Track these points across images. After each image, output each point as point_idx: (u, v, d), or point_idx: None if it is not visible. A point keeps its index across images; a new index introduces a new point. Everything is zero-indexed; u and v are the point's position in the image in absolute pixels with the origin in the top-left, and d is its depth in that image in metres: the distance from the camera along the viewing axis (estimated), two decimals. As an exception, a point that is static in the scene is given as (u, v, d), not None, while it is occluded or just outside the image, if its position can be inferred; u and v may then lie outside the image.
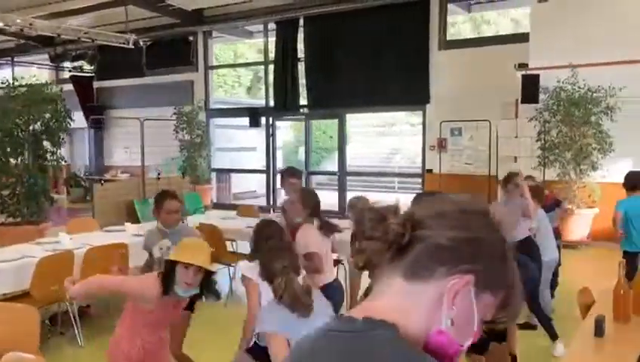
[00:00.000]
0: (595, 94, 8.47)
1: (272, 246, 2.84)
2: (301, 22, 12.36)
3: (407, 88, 11.11)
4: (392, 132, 24.32)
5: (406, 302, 0.92)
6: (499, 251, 0.96)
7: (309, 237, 3.78)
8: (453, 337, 0.91)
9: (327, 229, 3.97)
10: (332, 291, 3.62)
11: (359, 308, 0.95)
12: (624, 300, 3.03)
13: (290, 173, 4.84)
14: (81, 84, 15.25)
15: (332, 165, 20.11)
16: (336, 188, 13.25)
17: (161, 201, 3.81)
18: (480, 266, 0.93)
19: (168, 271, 2.75)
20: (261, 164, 18.43)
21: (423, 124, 11.45)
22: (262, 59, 13.97)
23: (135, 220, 8.07)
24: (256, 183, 18.44)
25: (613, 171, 8.80)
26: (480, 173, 10.32)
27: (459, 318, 0.91)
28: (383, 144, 22.58)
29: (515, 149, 9.71)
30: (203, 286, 2.79)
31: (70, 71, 15.54)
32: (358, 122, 22.09)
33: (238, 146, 17.20)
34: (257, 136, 18.83)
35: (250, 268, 3.12)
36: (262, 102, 13.80)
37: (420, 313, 0.91)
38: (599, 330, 2.82)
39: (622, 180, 8.91)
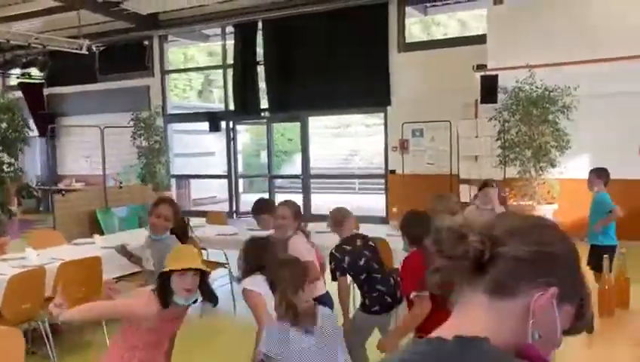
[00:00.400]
0: (552, 93, 8.74)
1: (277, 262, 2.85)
2: (260, 25, 12.29)
3: (368, 90, 11.21)
4: (347, 133, 24.53)
5: (492, 318, 0.92)
6: (572, 262, 0.99)
7: (301, 248, 3.76)
8: (540, 349, 0.92)
9: (308, 237, 3.98)
10: (327, 301, 3.62)
11: (443, 328, 0.95)
12: (609, 295, 3.13)
13: (265, 209, 4.57)
14: (31, 92, 14.68)
15: (292, 168, 20.14)
16: (297, 190, 13.25)
17: (155, 206, 3.75)
18: (559, 278, 0.94)
19: (164, 284, 2.69)
20: (221, 168, 18.27)
21: (385, 125, 11.57)
22: (213, 63, 13.79)
23: (98, 231, 7.83)
24: (216, 188, 18.24)
25: (570, 168, 9.14)
26: (442, 173, 10.49)
27: (544, 331, 0.92)
28: (340, 146, 22.73)
29: (476, 149, 9.93)
30: (202, 289, 2.76)
31: (18, 78, 14.95)
32: (314, 124, 22.19)
33: (197, 151, 16.96)
34: (216, 141, 18.63)
35: (251, 283, 3.11)
36: (220, 106, 13.66)
37: (507, 328, 0.92)
38: (589, 327, 2.90)
39: (579, 176, 9.29)
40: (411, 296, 2.86)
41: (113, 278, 5.60)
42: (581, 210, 9.12)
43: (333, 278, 3.84)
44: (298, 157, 22.10)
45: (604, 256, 3.18)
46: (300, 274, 2.66)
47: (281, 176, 16.66)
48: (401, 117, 10.97)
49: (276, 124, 15.40)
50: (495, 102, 9.37)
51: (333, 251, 3.83)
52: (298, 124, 12.71)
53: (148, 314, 2.66)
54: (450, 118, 10.27)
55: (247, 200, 13.20)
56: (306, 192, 12.61)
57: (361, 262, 3.82)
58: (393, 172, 11.35)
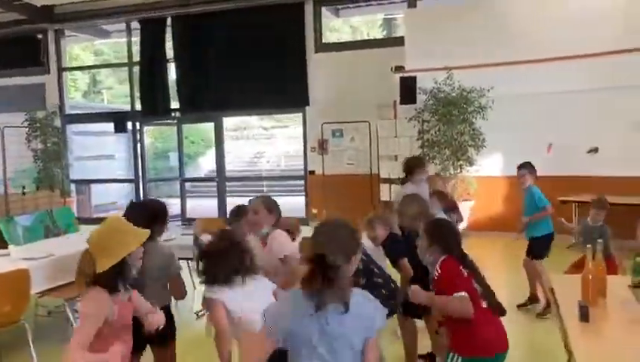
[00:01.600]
0: (469, 95, 9.08)
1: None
2: (169, 21, 11.72)
3: (286, 90, 11.05)
4: (263, 134, 24.27)
5: None
6: None
7: (283, 241, 3.56)
8: None
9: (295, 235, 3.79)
10: None
11: None
12: (592, 284, 3.21)
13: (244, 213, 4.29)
14: None
15: (196, 172, 19.46)
16: (210, 194, 12.82)
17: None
18: None
19: (121, 268, 2.58)
20: (122, 172, 17.25)
21: (304, 125, 11.46)
22: (101, 61, 12.88)
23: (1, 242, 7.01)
24: (117, 194, 17.20)
25: (485, 165, 9.56)
26: (362, 173, 10.57)
27: None
28: (255, 147, 22.44)
29: (396, 148, 10.10)
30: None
31: None
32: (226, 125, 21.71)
33: (97, 155, 15.91)
34: (117, 143, 17.58)
35: (209, 291, 3.01)
36: (120, 107, 12.86)
37: None
38: (584, 316, 2.95)
39: (493, 173, 9.75)
40: (458, 296, 2.76)
41: (37, 293, 5.04)
42: (496, 206, 9.63)
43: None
44: (203, 160, 21.56)
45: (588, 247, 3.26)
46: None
47: (195, 180, 16.03)
48: (320, 117, 10.93)
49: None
50: (414, 102, 9.59)
51: None
52: (211, 124, 12.25)
53: (107, 310, 2.55)
54: (370, 118, 10.38)
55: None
56: (221, 195, 12.18)
57: (360, 266, 3.67)
58: (313, 172, 11.26)
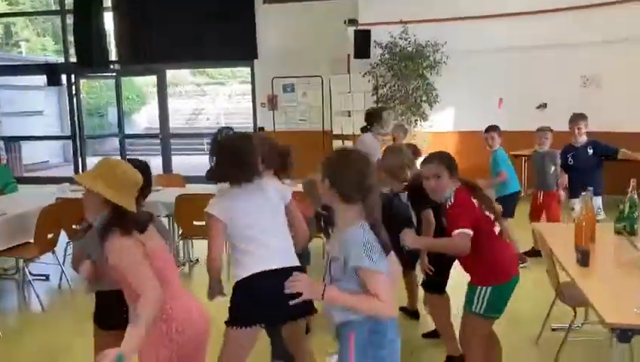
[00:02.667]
0: (424, 49, 9.06)
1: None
2: (105, -35, 10.93)
3: (233, 43, 10.61)
4: (208, 90, 23.49)
5: None
6: None
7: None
8: None
9: None
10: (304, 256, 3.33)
11: None
12: (585, 231, 3.27)
13: None
14: None
15: (131, 129, 18.63)
16: (153, 152, 12.33)
17: None
18: None
19: None
20: (52, 129, 16.30)
21: (252, 80, 11.11)
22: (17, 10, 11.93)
23: None
24: (49, 153, 16.30)
25: (437, 121, 9.65)
26: (315, 129, 10.43)
27: None
28: (181, 104, 21.64)
29: (349, 104, 9.99)
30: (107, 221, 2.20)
31: None
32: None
33: (25, 110, 14.89)
34: (45, 98, 16.52)
35: (212, 205, 2.70)
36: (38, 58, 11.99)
37: None
38: (585, 261, 3.00)
39: (445, 129, 9.86)
40: (458, 232, 2.69)
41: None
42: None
43: (327, 235, 3.54)
44: (137, 117, 20.68)
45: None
46: None
47: (136, 136, 15.34)
48: (269, 71, 10.61)
49: (109, 82, 13.96)
50: (368, 57, 9.47)
51: (319, 210, 3.50)
52: (151, 77, 11.67)
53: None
54: (322, 73, 10.19)
55: (95, 163, 11.92)
56: (166, 153, 11.73)
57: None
58: (262, 129, 11.00)
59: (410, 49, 9.05)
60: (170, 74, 17.66)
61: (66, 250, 5.41)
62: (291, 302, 1.99)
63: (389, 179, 3.99)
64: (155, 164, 11.92)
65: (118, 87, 11.85)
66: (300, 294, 2.69)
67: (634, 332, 2.30)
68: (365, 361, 2.00)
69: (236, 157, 2.68)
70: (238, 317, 2.61)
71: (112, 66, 11.49)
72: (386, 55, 9.16)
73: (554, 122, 8.70)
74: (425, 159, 3.00)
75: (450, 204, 2.81)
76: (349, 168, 2.01)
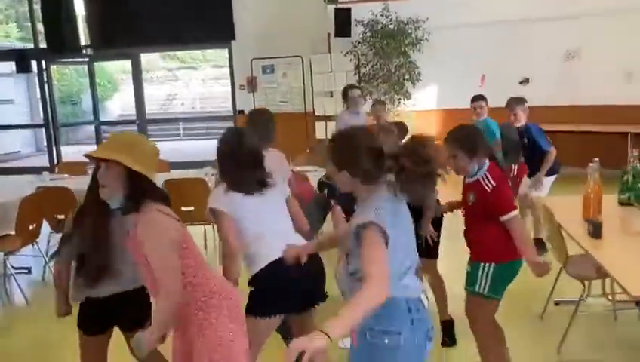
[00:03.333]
0: (406, 26, 8.93)
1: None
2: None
3: (210, 23, 10.34)
4: (163, 77, 23.02)
5: None
6: None
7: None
8: None
9: None
10: None
11: None
12: (594, 203, 3.21)
13: None
14: None
15: (104, 116, 18.13)
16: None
17: None
18: None
19: None
20: (22, 118, 15.80)
21: (230, 62, 10.86)
22: None
23: None
24: (20, 142, 15.83)
25: (420, 100, 9.57)
26: (296, 111, 10.26)
27: None
28: (153, 90, 21.23)
29: (331, 84, 9.83)
30: (130, 192, 2.05)
31: None
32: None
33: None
34: (15, 86, 15.99)
35: (214, 199, 2.56)
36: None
37: None
38: (597, 233, 2.94)
39: (428, 107, 9.79)
40: (515, 213, 2.61)
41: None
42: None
43: (328, 207, 3.42)
44: (110, 104, 20.18)
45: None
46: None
47: (112, 123, 14.95)
48: (248, 53, 10.37)
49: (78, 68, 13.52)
50: (349, 35, 9.31)
51: (324, 179, 3.38)
52: (126, 62, 11.33)
53: None
54: (302, 53, 9.99)
55: (69, 152, 11.61)
56: (144, 139, 11.42)
57: None
58: (242, 112, 10.78)
59: (391, 26, 8.92)
60: (141, 59, 17.32)
61: (48, 241, 5.19)
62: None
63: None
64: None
65: (91, 72, 11.48)
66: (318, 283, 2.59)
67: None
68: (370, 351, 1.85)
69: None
70: (260, 307, 2.48)
71: (84, 51, 11.10)
72: (368, 33, 9.02)
73: (536, 97, 8.73)
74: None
75: (491, 185, 2.67)
76: (360, 150, 1.89)
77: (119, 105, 19.89)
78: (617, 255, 2.73)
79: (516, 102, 5.40)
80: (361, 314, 1.58)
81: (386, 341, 1.83)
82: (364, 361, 1.89)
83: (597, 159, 3.41)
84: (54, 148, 11.46)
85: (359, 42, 9.13)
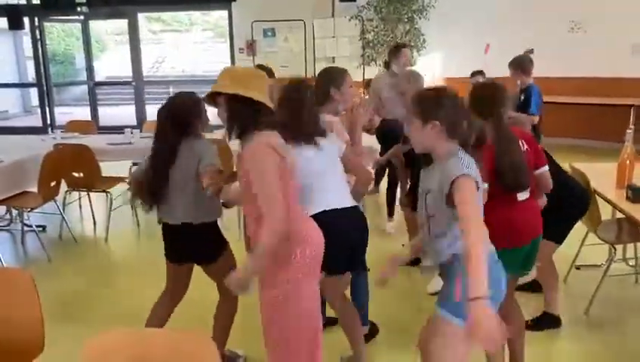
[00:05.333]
0: (412, -7, 8.86)
1: None
2: None
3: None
4: (147, 39, 22.52)
5: None
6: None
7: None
8: None
9: None
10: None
11: None
12: (629, 169, 3.27)
13: None
14: None
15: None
16: (126, 101, 11.82)
17: None
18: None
19: None
20: (9, 77, 15.38)
21: (230, 24, 10.68)
22: None
23: None
24: (6, 102, 15.46)
25: (424, 68, 9.52)
26: (297, 76, 10.14)
27: None
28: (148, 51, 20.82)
29: (333, 50, 9.75)
30: (235, 119, 2.09)
31: None
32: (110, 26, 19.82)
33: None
34: (1, 44, 15.54)
35: None
36: None
37: None
38: (637, 197, 3.01)
39: (434, 76, 9.75)
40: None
41: None
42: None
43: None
44: (98, 65, 19.67)
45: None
46: None
47: (108, 83, 14.65)
48: (249, 15, 10.20)
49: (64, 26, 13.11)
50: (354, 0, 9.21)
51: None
52: (121, 22, 11.07)
53: None
54: (304, 17, 9.86)
55: (58, 113, 11.38)
56: (139, 101, 11.26)
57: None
58: (241, 76, 10.64)
59: (399, -9, 8.83)
60: (124, 22, 16.86)
61: (65, 199, 5.13)
62: None
63: None
64: (130, 112, 11.52)
65: (85, 31, 11.20)
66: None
67: None
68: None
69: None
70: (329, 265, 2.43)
71: (78, 9, 10.81)
72: (374, -3, 8.93)
73: (540, 68, 8.74)
74: None
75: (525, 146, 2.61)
76: (453, 104, 1.93)
77: (107, 66, 19.46)
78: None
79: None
80: (482, 265, 1.64)
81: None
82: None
83: (632, 126, 3.47)
84: (47, 109, 11.22)
85: (364, 7, 9.03)
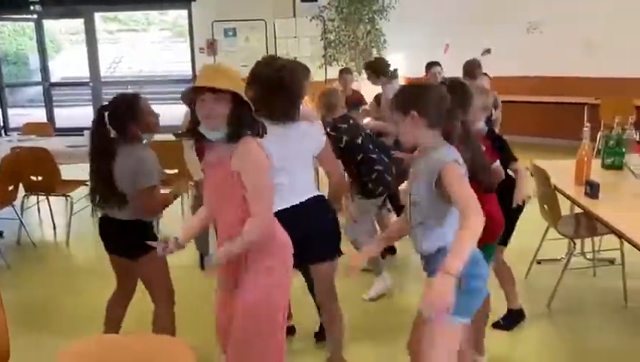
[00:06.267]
0: (373, -7, 8.94)
1: None
2: None
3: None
4: (103, 39, 22.05)
5: None
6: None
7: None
8: None
9: None
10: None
11: None
12: (587, 166, 3.39)
13: None
14: None
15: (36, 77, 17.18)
16: (83, 102, 11.53)
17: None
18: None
19: (192, 112, 2.04)
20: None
21: (189, 24, 10.55)
22: None
23: None
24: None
25: (385, 67, 9.63)
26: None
27: None
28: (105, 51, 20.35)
29: (295, 50, 9.74)
30: (236, 121, 1.99)
31: None
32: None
33: None
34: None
35: None
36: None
37: None
38: (595, 193, 3.11)
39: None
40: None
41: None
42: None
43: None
44: (53, 65, 19.14)
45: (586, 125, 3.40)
46: None
47: (64, 84, 14.26)
48: (209, 14, 10.10)
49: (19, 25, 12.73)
50: (316, 0, 9.24)
51: (329, 131, 3.38)
52: (81, 21, 10.80)
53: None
54: (266, 17, 9.83)
55: (16, 113, 11.05)
56: (97, 102, 11.00)
57: (359, 141, 3.56)
58: (202, 76, 10.53)
59: (360, -8, 8.90)
60: (79, 21, 16.44)
61: (23, 203, 4.98)
62: None
63: None
64: (87, 113, 11.25)
65: (39, 30, 10.88)
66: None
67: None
68: (462, 296, 1.79)
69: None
70: None
71: (32, 7, 10.48)
72: (335, -1, 8.97)
73: (497, 68, 8.97)
74: None
75: None
76: (431, 94, 1.96)
77: (62, 67, 18.97)
78: (617, 213, 2.90)
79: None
80: (471, 245, 1.70)
81: (474, 284, 1.91)
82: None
83: (588, 124, 3.59)
84: (0, 110, 10.84)
85: (326, 7, 9.06)
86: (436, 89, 2.00)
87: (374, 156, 3.59)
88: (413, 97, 1.96)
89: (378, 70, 5.15)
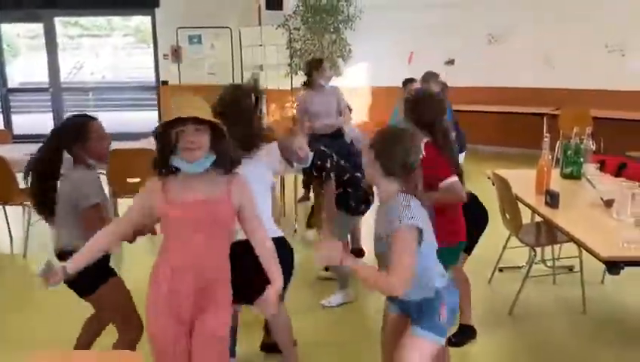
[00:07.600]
0: (338, 3, 8.98)
1: None
2: None
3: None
4: (65, 44, 21.61)
5: None
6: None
7: None
8: None
9: None
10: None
11: None
12: (547, 176, 3.46)
13: None
14: None
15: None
16: (42, 109, 11.26)
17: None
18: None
19: (162, 145, 1.95)
20: None
21: (153, 30, 10.42)
22: None
23: None
24: None
25: (351, 77, 9.71)
26: (224, 83, 10.01)
27: None
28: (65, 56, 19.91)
29: (261, 58, 9.72)
30: (217, 150, 1.97)
31: None
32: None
33: None
34: None
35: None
36: None
37: None
38: (555, 203, 3.18)
39: (358, 85, 9.93)
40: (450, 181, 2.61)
41: None
42: (362, 116, 9.92)
43: (321, 179, 3.41)
44: (10, 70, 18.62)
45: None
46: None
47: (23, 90, 13.87)
48: (173, 21, 9.99)
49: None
50: (281, 8, 9.24)
51: (322, 148, 3.39)
52: (40, 25, 10.54)
53: (155, 193, 1.99)
54: (231, 24, 9.78)
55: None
56: (58, 109, 10.76)
57: (343, 162, 3.64)
58: (166, 83, 10.42)
59: (324, 2, 8.93)
60: (38, 26, 16.07)
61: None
62: None
63: None
64: (47, 120, 10.97)
65: (-4, 34, 10.59)
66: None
67: (626, 264, 2.48)
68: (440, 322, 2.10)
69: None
70: None
71: (-13, 11, 10.21)
72: (301, 7, 8.98)
73: (460, 78, 9.12)
74: None
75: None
76: (396, 146, 2.03)
77: (20, 71, 18.47)
78: (576, 222, 2.97)
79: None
80: (369, 283, 1.97)
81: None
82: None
83: (548, 135, 3.67)
84: (-45, 117, 10.51)
85: (291, 16, 9.08)
86: (404, 142, 2.04)
87: (359, 175, 3.58)
88: (382, 147, 2.04)
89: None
